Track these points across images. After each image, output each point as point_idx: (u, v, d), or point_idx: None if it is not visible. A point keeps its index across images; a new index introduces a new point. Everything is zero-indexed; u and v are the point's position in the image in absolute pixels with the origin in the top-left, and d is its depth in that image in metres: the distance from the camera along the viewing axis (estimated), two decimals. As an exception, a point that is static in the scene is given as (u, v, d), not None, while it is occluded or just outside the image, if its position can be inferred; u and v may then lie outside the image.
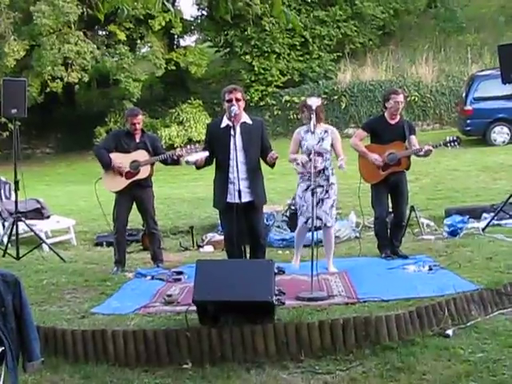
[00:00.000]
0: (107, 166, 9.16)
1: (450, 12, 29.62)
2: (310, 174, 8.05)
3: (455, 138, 9.01)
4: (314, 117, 7.80)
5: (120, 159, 9.13)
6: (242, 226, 7.49)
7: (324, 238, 8.82)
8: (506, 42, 12.48)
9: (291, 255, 9.48)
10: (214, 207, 8.24)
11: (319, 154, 8.45)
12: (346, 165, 8.30)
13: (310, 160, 8.18)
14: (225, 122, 7.79)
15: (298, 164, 8.49)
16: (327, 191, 8.63)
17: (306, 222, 8.64)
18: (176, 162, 9.15)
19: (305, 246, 9.60)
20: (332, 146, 8.64)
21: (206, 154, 7.73)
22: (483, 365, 5.41)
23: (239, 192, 7.34)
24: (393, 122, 8.97)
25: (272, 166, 7.91)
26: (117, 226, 9.33)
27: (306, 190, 8.53)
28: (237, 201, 7.37)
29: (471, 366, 5.41)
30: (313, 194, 7.70)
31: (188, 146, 8.90)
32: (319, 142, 8.52)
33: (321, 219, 8.59)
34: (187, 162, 7.76)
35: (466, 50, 26.56)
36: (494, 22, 28.93)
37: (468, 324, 6.25)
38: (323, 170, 8.56)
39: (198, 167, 7.85)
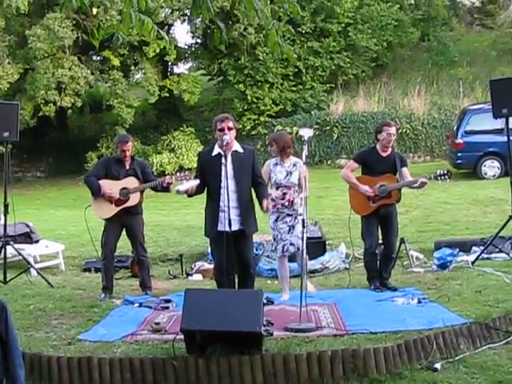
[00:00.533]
0: (97, 193, 9.15)
1: (442, 46, 29.83)
2: (278, 206, 8.70)
3: (445, 172, 9.04)
4: (305, 148, 7.80)
5: (110, 186, 9.12)
6: (233, 254, 7.46)
7: (299, 261, 8.95)
8: (497, 77, 12.61)
9: (280, 285, 9.46)
10: (205, 236, 8.23)
11: (287, 187, 8.86)
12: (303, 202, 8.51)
13: (283, 193, 8.88)
14: (216, 150, 7.82)
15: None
16: (296, 217, 8.94)
17: (282, 250, 9.00)
18: (166, 189, 9.14)
19: (294, 276, 9.63)
20: (299, 179, 8.89)
21: (197, 182, 7.74)
22: (471, 400, 5.40)
23: (229, 220, 7.36)
24: (384, 155, 9.00)
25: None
26: (105, 253, 9.29)
27: (276, 220, 8.95)
28: (227, 229, 7.38)
29: (459, 401, 5.40)
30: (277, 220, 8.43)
31: (178, 174, 8.89)
32: (287, 175, 8.92)
33: (293, 244, 8.97)
34: (178, 192, 7.76)
35: (458, 83, 26.76)
36: (486, 56, 29.18)
37: (456, 358, 6.24)
38: (292, 202, 8.94)
39: (190, 195, 7.85)
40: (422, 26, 30.78)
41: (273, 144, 9.12)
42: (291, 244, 8.97)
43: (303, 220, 7.62)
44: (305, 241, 8.67)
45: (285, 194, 8.85)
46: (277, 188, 8.85)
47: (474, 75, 27.70)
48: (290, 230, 8.96)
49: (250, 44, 25.54)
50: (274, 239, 9.08)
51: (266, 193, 8.14)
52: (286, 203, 8.86)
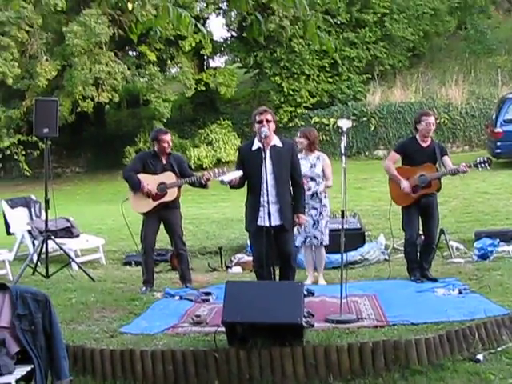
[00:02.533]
0: (137, 188, 9.19)
1: (480, 34, 29.46)
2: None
3: (486, 159, 8.96)
4: (344, 138, 7.77)
5: (148, 181, 9.16)
6: (272, 248, 7.47)
7: (318, 255, 9.55)
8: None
9: (306, 272, 9.53)
10: (246, 230, 8.25)
11: (312, 179, 9.28)
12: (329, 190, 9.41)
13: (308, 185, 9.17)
14: (256, 144, 7.81)
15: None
16: (321, 213, 9.36)
17: (304, 242, 9.45)
18: (204, 185, 9.16)
19: (334, 267, 9.66)
20: (323, 171, 9.36)
21: (240, 173, 7.74)
22: (514, 391, 5.36)
23: (269, 215, 7.35)
24: (424, 145, 8.95)
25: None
26: (144, 247, 9.35)
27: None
28: (267, 224, 7.37)
29: (502, 392, 5.36)
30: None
31: (216, 170, 8.89)
32: (312, 167, 9.34)
33: (317, 238, 9.40)
34: (222, 182, 7.75)
35: (496, 71, 26.42)
36: (525, 43, 28.81)
37: (499, 349, 6.19)
38: (316, 193, 9.33)
39: (232, 187, 7.86)
40: (458, 15, 30.35)
41: (304, 138, 9.42)
42: (314, 237, 9.39)
43: (342, 211, 7.62)
44: (327, 234, 9.45)
45: (310, 185, 9.15)
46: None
47: (513, 63, 27.37)
48: (314, 224, 9.34)
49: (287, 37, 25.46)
50: (298, 230, 9.15)
51: (303, 205, 8.14)
52: (310, 194, 9.10)
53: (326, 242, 9.46)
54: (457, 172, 8.84)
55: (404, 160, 9.12)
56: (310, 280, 9.40)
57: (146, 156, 9.66)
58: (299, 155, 8.90)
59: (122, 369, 6.22)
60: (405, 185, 8.89)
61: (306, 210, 8.59)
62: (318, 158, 9.43)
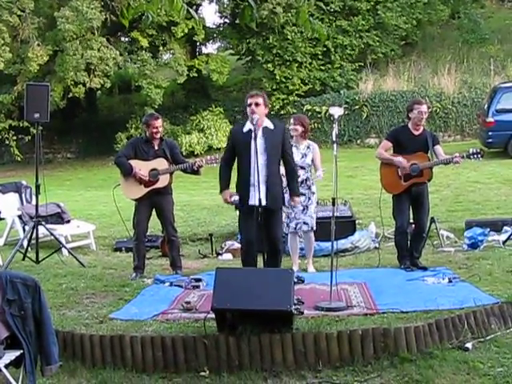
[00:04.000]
0: (128, 173, 9.17)
1: (473, 23, 29.47)
2: None
3: (478, 151, 8.98)
4: (335, 126, 7.77)
5: (139, 166, 9.14)
6: (262, 230, 7.48)
7: (307, 241, 9.62)
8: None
9: (292, 259, 9.55)
10: (236, 209, 8.32)
11: (301, 168, 9.28)
12: (323, 175, 9.32)
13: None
14: (247, 126, 7.86)
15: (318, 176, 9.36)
16: (309, 198, 9.42)
17: (295, 228, 9.44)
18: (196, 172, 9.17)
19: (324, 255, 9.67)
20: (312, 160, 9.39)
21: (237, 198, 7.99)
22: (503, 379, 5.38)
23: (259, 195, 7.36)
24: (416, 133, 8.96)
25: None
26: (137, 234, 9.35)
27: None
28: (257, 203, 7.38)
29: (491, 381, 5.38)
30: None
31: (208, 157, 8.92)
32: (302, 157, 9.37)
33: (307, 223, 9.43)
34: (234, 201, 8.10)
35: (488, 61, 26.44)
36: (518, 33, 28.82)
37: (488, 338, 6.21)
38: (305, 180, 9.36)
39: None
40: (451, 4, 30.30)
41: (300, 125, 9.45)
42: (305, 223, 9.41)
43: (333, 199, 7.64)
44: (315, 219, 9.51)
45: (299, 173, 9.06)
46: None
47: (506, 53, 27.33)
48: (304, 209, 9.36)
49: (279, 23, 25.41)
50: (288, 217, 9.34)
51: (297, 187, 8.33)
52: (300, 181, 9.02)
53: (314, 227, 9.51)
54: (449, 162, 8.86)
55: (396, 148, 9.12)
56: (295, 267, 9.33)
57: (137, 142, 9.64)
58: (292, 143, 8.98)
59: (112, 354, 6.22)
60: (400, 159, 8.88)
61: None
62: (309, 147, 9.46)
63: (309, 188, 9.40)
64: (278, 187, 7.93)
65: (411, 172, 8.84)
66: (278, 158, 7.95)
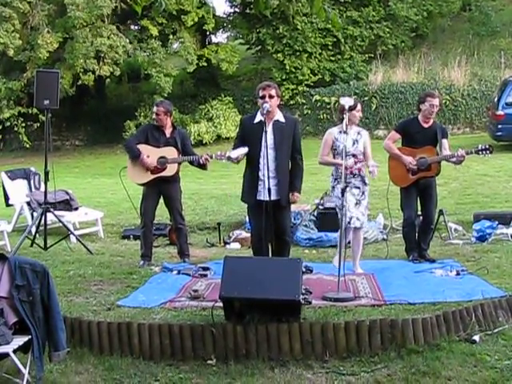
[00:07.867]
0: (136, 157, 9.17)
1: (484, 16, 29.35)
2: (347, 175, 8.01)
3: (487, 147, 8.90)
4: (346, 117, 7.76)
5: (148, 152, 9.14)
6: (270, 223, 7.46)
7: (355, 239, 8.75)
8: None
9: (318, 254, 9.53)
10: (242, 201, 8.26)
11: (354, 156, 8.49)
12: (377, 171, 8.34)
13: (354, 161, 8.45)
14: (258, 117, 7.79)
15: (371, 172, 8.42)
16: (363, 193, 8.63)
17: (349, 222, 8.44)
18: (202, 166, 9.17)
19: (332, 246, 9.65)
20: (364, 148, 8.60)
21: (246, 149, 7.70)
22: (510, 372, 5.39)
23: (269, 190, 7.35)
24: (426, 126, 8.92)
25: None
26: (144, 221, 9.36)
27: (344, 190, 7.92)
28: (266, 198, 7.37)
29: (497, 373, 5.38)
30: (343, 194, 7.62)
31: (218, 153, 8.89)
32: (354, 143, 8.54)
33: (359, 220, 8.59)
34: (229, 158, 7.77)
35: (499, 54, 26.35)
36: (529, 26, 28.68)
37: (495, 330, 6.22)
38: (359, 171, 8.56)
39: (238, 162, 7.86)
40: (463, -4, 30.29)
41: (362, 111, 8.86)
42: (357, 219, 8.55)
43: (343, 190, 7.56)
44: (366, 216, 8.87)
45: (355, 162, 8.50)
46: (346, 156, 8.13)
47: (516, 46, 27.29)
48: (356, 203, 8.56)
49: (289, 13, 25.32)
50: (340, 209, 8.20)
51: (300, 183, 8.01)
52: (356, 171, 8.52)
53: (365, 225, 9.05)
54: (452, 159, 8.78)
55: (404, 140, 9.08)
56: (335, 261, 8.28)
57: (148, 128, 9.65)
58: (337, 129, 8.58)
59: (119, 341, 6.24)
60: (409, 160, 8.83)
61: (349, 189, 8.07)
62: (359, 133, 8.64)
63: (362, 180, 8.61)
64: (287, 182, 7.86)
65: (419, 166, 8.81)
66: (288, 153, 7.87)
